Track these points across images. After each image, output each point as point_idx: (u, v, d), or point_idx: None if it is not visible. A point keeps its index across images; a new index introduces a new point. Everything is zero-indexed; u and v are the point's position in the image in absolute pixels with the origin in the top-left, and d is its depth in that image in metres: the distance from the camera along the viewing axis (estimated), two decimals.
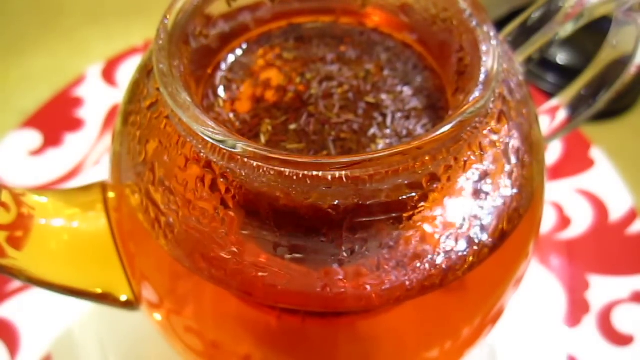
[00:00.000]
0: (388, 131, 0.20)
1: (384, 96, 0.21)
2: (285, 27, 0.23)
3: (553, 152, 0.38)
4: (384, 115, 0.21)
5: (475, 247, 0.19)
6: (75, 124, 0.40)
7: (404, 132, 0.20)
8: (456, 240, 0.18)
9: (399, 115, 0.21)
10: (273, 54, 0.23)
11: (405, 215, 0.17)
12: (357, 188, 0.16)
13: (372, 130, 0.20)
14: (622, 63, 0.24)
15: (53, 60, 0.46)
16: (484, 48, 0.19)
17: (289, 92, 0.21)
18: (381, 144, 0.20)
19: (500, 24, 0.21)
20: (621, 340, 0.31)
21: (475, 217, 0.18)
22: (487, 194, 0.18)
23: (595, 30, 0.26)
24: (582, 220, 0.35)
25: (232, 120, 0.21)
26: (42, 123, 0.39)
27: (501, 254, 0.20)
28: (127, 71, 0.42)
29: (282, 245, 0.17)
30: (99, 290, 0.23)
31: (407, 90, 0.21)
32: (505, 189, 0.19)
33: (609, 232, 0.35)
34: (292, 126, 0.20)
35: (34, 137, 0.39)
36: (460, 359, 0.24)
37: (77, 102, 0.41)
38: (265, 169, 0.16)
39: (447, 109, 0.21)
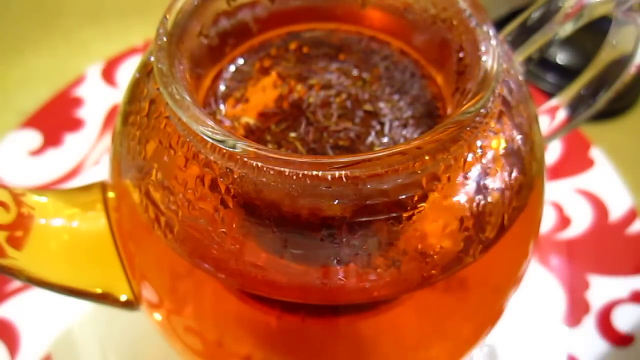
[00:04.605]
0: (386, 139, 0.20)
1: (382, 104, 0.21)
2: (285, 36, 0.23)
3: (553, 152, 0.38)
4: (382, 124, 0.21)
5: (475, 247, 0.19)
6: (75, 124, 0.40)
7: (402, 141, 0.20)
8: (456, 240, 0.18)
9: (396, 123, 0.21)
10: (272, 63, 0.23)
11: (404, 214, 0.17)
12: (356, 188, 0.16)
13: (370, 139, 0.20)
14: (621, 63, 0.24)
15: (53, 60, 0.46)
16: (483, 48, 0.19)
17: (288, 100, 0.22)
18: None
19: (500, 24, 0.21)
20: (621, 340, 0.31)
21: (475, 216, 0.18)
22: (486, 193, 0.18)
23: (595, 30, 0.26)
24: (582, 220, 0.35)
25: (236, 127, 0.21)
26: (42, 123, 0.39)
27: (501, 253, 0.20)
28: (127, 71, 0.42)
29: (281, 244, 0.17)
30: (99, 290, 0.23)
31: (404, 99, 0.22)
32: (504, 189, 0.19)
33: (608, 232, 0.35)
34: (292, 134, 0.20)
35: (34, 137, 0.39)
36: (460, 359, 0.24)
37: (77, 102, 0.41)
38: (265, 169, 0.16)
39: (444, 117, 0.21)
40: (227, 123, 0.21)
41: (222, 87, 0.22)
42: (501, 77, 0.19)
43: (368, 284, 0.18)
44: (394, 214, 0.17)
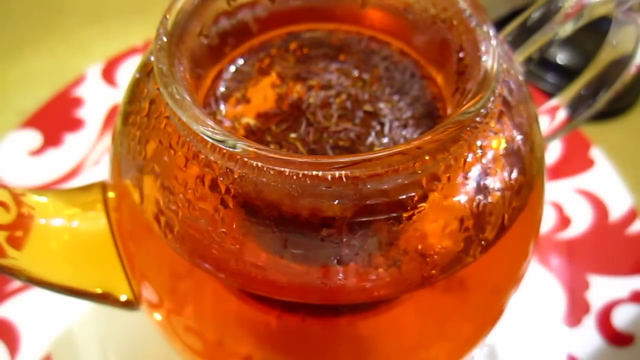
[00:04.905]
0: (386, 139, 0.20)
1: (382, 105, 0.21)
2: (285, 36, 0.23)
3: (553, 152, 0.38)
4: (382, 124, 0.21)
5: (475, 247, 0.19)
6: (75, 124, 0.40)
7: (402, 141, 0.20)
8: (456, 240, 0.18)
9: (396, 123, 0.21)
10: (272, 64, 0.23)
11: (405, 214, 0.17)
12: (356, 188, 0.16)
13: (370, 139, 0.20)
14: (622, 63, 0.24)
15: (53, 60, 0.46)
16: (483, 48, 0.19)
17: (288, 101, 0.22)
18: None
19: (500, 24, 0.21)
20: (621, 340, 0.31)
21: (475, 216, 0.18)
22: (486, 193, 0.18)
23: (595, 30, 0.26)
24: (582, 220, 0.35)
25: (236, 128, 0.21)
26: (42, 123, 0.39)
27: (501, 253, 0.20)
28: (127, 71, 0.42)
29: (281, 244, 0.17)
30: (99, 290, 0.23)
31: (404, 99, 0.22)
32: (504, 189, 0.19)
33: (608, 232, 0.35)
34: (292, 135, 0.20)
35: (34, 137, 0.39)
36: (460, 359, 0.24)
37: (77, 102, 0.41)
38: (265, 169, 0.16)
39: (444, 117, 0.21)
40: (228, 123, 0.21)
41: (222, 88, 0.22)
42: (501, 77, 0.19)
43: (368, 284, 0.18)
44: (394, 214, 0.17)
